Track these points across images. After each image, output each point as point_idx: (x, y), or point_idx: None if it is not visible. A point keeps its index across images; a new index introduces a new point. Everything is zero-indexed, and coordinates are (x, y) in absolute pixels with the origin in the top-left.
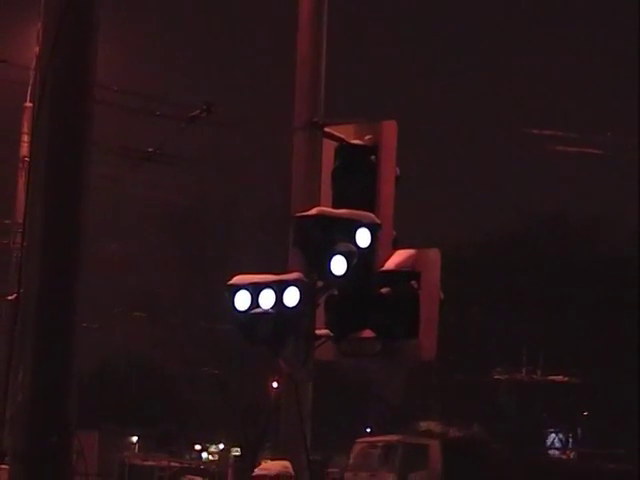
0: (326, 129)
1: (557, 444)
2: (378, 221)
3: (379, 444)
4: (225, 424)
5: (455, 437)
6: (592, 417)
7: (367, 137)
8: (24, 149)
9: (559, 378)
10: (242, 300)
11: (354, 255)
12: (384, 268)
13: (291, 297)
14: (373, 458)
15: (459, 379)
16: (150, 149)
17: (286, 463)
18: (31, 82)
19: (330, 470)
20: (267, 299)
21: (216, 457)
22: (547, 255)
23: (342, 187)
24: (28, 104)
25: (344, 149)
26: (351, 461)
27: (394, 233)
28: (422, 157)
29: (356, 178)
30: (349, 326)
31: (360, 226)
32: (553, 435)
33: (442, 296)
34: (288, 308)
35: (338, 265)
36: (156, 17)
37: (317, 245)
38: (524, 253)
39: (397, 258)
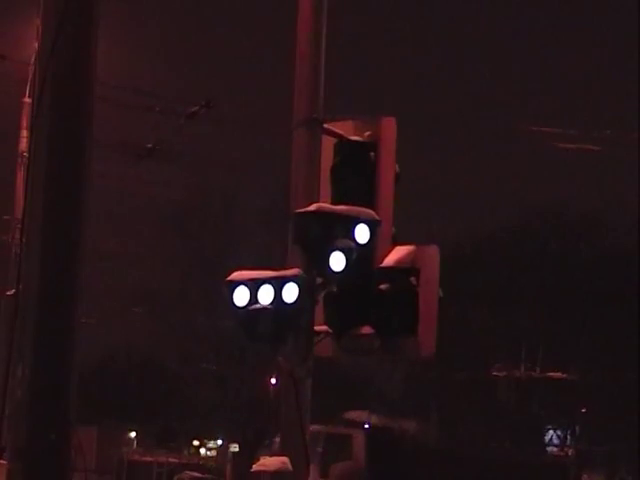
0: (325, 125)
1: (555, 441)
2: (377, 217)
3: None
4: (224, 420)
5: (379, 427)
6: (591, 414)
7: (366, 133)
8: (23, 145)
9: (558, 375)
10: (241, 296)
11: (353, 251)
12: (383, 264)
13: (290, 293)
14: None
15: (458, 375)
16: (149, 145)
17: (285, 459)
18: (30, 78)
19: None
20: (266, 295)
21: (214, 453)
22: (546, 251)
23: (341, 183)
24: (27, 100)
25: (343, 145)
26: (273, 451)
27: (393, 229)
28: (422, 153)
29: (355, 174)
30: (348, 322)
31: (359, 222)
32: (551, 432)
33: (441, 292)
34: (287, 304)
35: (337, 261)
36: (156, 13)
37: (316, 241)
38: (523, 249)
39: (396, 254)
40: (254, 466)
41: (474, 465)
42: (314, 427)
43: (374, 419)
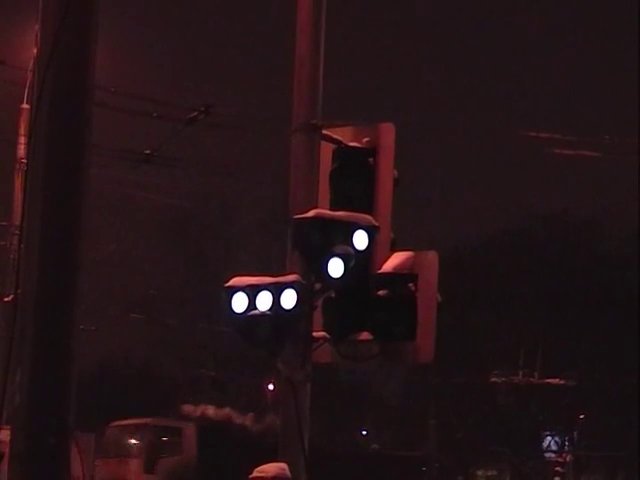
0: (324, 131)
1: (553, 447)
2: (376, 223)
3: (130, 428)
4: None
5: (211, 420)
6: (589, 420)
7: (365, 139)
8: (21, 150)
9: (556, 381)
10: (239, 302)
11: (352, 257)
12: (382, 270)
13: (288, 299)
14: (123, 442)
15: (456, 381)
16: (148, 151)
17: (283, 465)
18: (28, 83)
19: None
20: (264, 301)
21: None
22: (545, 257)
23: (340, 189)
24: (25, 106)
25: (342, 151)
26: (103, 446)
27: (392, 235)
28: (421, 159)
29: (354, 180)
30: (347, 328)
31: (358, 228)
32: (549, 438)
33: (440, 298)
34: (285, 310)
35: (336, 267)
36: (155, 18)
37: (315, 247)
38: (522, 256)
39: (395, 260)
40: (253, 472)
41: (320, 457)
42: (141, 419)
43: (210, 412)
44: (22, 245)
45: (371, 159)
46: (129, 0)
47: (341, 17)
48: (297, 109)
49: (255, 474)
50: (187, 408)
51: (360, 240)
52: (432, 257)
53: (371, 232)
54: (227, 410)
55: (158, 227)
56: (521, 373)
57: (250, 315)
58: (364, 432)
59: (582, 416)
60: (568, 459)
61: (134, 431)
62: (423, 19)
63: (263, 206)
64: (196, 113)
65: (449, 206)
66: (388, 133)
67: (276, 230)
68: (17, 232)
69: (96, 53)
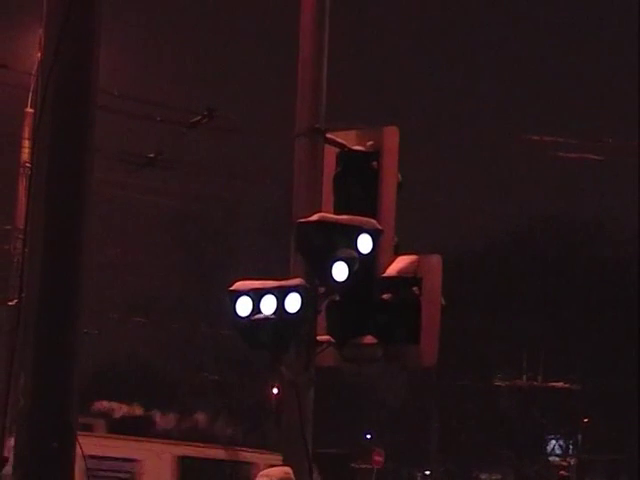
0: (328, 135)
1: (557, 450)
2: (380, 227)
3: None
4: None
5: (122, 416)
6: (593, 423)
7: (369, 143)
8: (25, 154)
9: (560, 384)
10: (243, 306)
11: (356, 261)
12: (386, 274)
13: (292, 303)
14: None
15: (460, 385)
16: (151, 154)
17: (287, 469)
18: (32, 87)
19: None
20: (268, 305)
21: None
22: (547, 260)
23: (344, 193)
24: (29, 109)
25: (346, 155)
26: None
27: (396, 239)
28: (424, 163)
29: (358, 184)
30: (350, 332)
31: (362, 232)
32: (553, 441)
33: (443, 302)
34: (289, 314)
35: (340, 271)
36: (158, 22)
37: (318, 251)
38: (525, 258)
39: (399, 264)
40: (257, 475)
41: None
42: None
43: (124, 409)
44: (26, 249)
45: (375, 162)
46: (132, 3)
47: (345, 20)
48: (300, 113)
49: (259, 477)
50: (101, 405)
51: (364, 244)
52: (436, 261)
53: (375, 236)
54: (143, 409)
55: (160, 230)
56: (525, 377)
57: (254, 319)
58: (368, 436)
59: (586, 419)
60: (572, 462)
61: None
62: (426, 21)
63: (266, 209)
64: (199, 117)
65: (452, 209)
66: (392, 136)
67: (279, 234)
68: (21, 236)
69: (99, 56)
